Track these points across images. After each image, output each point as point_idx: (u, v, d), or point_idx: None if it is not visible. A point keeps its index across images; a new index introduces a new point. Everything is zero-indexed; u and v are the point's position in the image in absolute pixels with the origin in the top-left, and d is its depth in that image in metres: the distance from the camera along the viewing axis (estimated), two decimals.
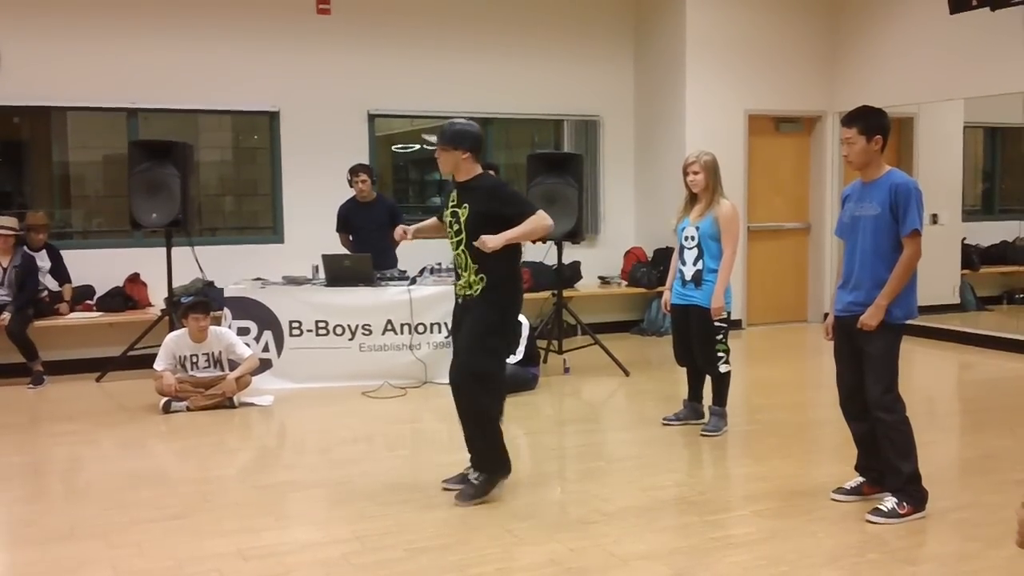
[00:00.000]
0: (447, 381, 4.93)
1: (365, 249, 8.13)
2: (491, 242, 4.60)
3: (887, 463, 4.53)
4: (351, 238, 8.57)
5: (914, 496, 4.49)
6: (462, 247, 4.78)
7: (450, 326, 5.19)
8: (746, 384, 7.75)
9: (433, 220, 5.17)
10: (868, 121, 4.46)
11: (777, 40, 10.34)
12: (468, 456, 4.97)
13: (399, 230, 5.11)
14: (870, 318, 4.41)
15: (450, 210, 4.84)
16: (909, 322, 4.53)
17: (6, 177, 9.97)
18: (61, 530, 4.51)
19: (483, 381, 4.76)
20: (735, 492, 5.08)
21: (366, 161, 9.22)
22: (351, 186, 8.49)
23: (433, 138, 4.74)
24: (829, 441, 5.99)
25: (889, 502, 4.48)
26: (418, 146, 11.01)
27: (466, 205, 4.74)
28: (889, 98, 9.13)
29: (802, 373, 8.61)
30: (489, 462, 4.87)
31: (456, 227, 4.79)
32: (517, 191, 4.94)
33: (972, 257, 10.68)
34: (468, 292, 4.80)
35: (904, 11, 9.74)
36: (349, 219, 8.51)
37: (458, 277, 4.90)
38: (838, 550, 4.14)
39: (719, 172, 6.00)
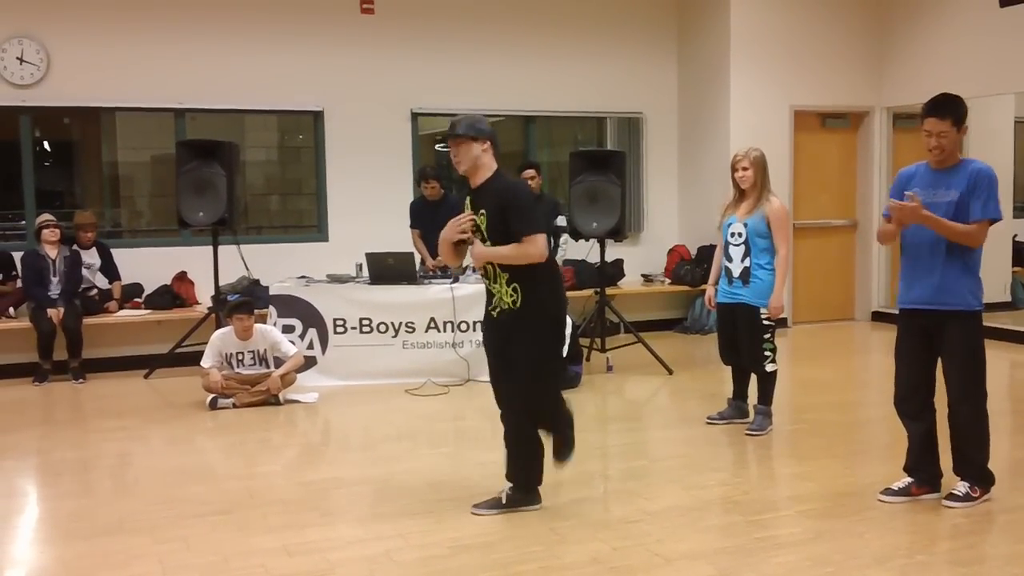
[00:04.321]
0: (489, 379, 4.86)
1: (434, 244, 8.16)
2: (476, 253, 4.43)
3: (960, 453, 4.58)
4: (421, 234, 8.57)
5: (984, 479, 4.59)
6: None
7: (484, 339, 4.72)
8: (792, 383, 7.66)
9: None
10: (959, 112, 4.45)
11: (823, 34, 10.21)
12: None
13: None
14: (925, 221, 4.27)
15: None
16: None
17: (57, 177, 10.16)
18: (109, 525, 4.59)
19: (540, 410, 4.60)
20: (780, 492, 5.03)
21: (410, 159, 9.33)
22: (418, 187, 8.66)
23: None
24: (876, 441, 5.91)
25: (962, 487, 4.58)
26: None
27: (483, 212, 4.43)
28: (938, 92, 8.94)
29: (849, 372, 8.50)
30: (523, 479, 4.66)
31: (480, 236, 4.48)
32: (531, 204, 4.46)
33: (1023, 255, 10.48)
34: (504, 307, 4.47)
35: (953, 4, 9.57)
36: (419, 216, 8.56)
37: (489, 295, 4.55)
38: (885, 551, 4.09)
39: (767, 169, 5.96)
